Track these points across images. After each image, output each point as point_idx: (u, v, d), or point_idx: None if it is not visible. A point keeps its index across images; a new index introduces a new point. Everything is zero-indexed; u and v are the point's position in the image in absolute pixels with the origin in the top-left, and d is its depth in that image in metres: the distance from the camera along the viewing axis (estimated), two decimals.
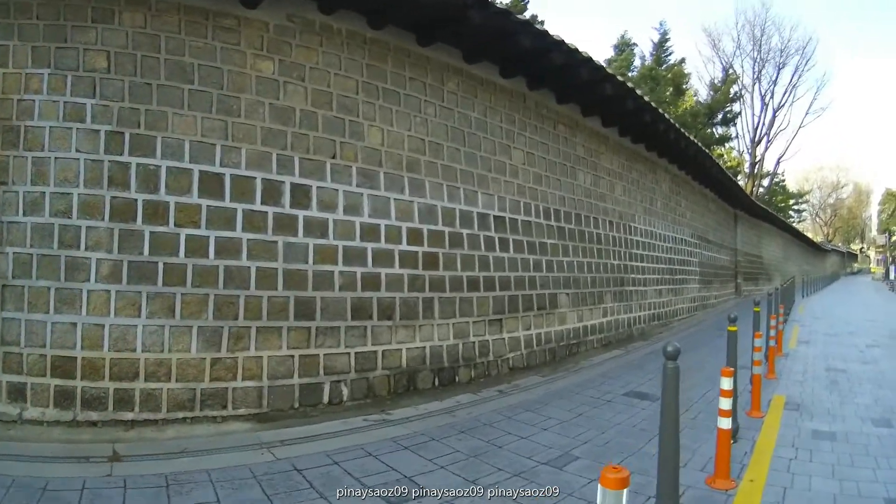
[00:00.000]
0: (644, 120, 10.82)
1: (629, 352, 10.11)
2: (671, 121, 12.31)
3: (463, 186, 7.38)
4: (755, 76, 44.70)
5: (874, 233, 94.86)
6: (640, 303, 12.31)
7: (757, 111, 45.63)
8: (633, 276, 11.97)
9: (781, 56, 43.83)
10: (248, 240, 5.43)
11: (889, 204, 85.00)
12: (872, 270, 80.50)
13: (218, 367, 5.17)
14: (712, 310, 17.80)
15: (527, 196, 8.59)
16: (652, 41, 39.10)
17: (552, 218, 9.20)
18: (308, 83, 5.95)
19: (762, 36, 43.91)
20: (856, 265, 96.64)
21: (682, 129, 13.17)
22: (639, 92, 10.28)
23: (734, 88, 40.45)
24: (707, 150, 15.73)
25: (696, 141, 14.12)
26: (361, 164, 6.25)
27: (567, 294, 9.31)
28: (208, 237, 5.25)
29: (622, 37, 37.79)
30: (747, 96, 45.18)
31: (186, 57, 5.31)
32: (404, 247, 6.58)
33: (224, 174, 5.38)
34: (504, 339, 7.76)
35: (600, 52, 37.51)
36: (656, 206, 13.82)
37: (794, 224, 46.40)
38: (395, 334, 6.35)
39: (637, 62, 37.39)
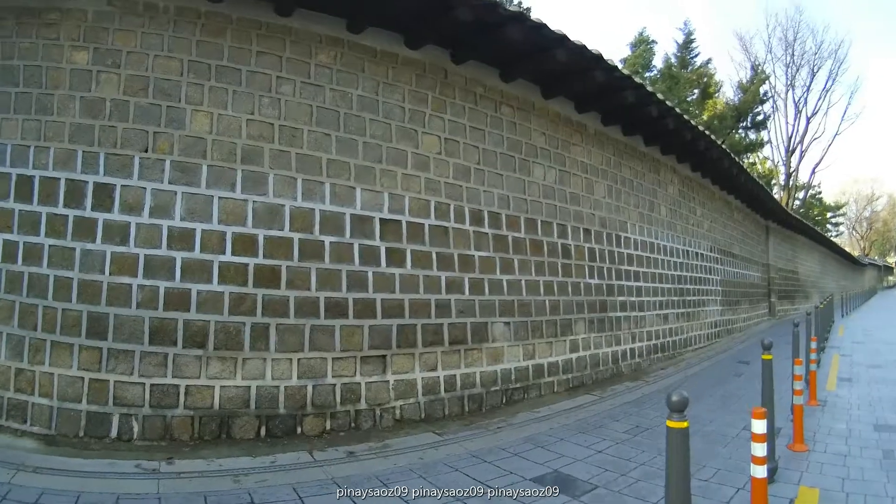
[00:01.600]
0: (629, 104, 8.51)
1: (604, 398, 7.53)
2: (678, 111, 9.81)
3: (331, 181, 5.78)
4: (788, 82, 41.51)
5: None
6: (634, 332, 9.69)
7: (791, 119, 42.25)
8: (622, 298, 9.44)
9: (815, 60, 40.74)
10: (49, 246, 5.01)
11: None
12: None
13: (21, 379, 4.93)
14: (739, 335, 15.00)
15: (442, 194, 6.61)
16: (676, 42, 36.05)
17: (485, 223, 7.05)
18: (123, 69, 5.22)
19: (795, 41, 40.92)
20: (891, 278, 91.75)
21: (698, 126, 10.63)
22: (625, 72, 8.00)
23: (764, 88, 36.94)
24: (733, 154, 13.16)
25: (712, 137, 11.56)
26: (178, 157, 5.23)
27: (507, 323, 7.10)
28: (18, 242, 5.03)
29: (640, 34, 34.91)
30: (780, 103, 41.99)
31: (15, 59, 5.20)
32: (228, 257, 5.25)
33: (34, 176, 5.08)
34: (388, 381, 5.89)
35: (616, 52, 34.67)
36: (660, 213, 11.23)
37: (831, 238, 42.60)
38: (206, 367, 5.10)
39: (659, 63, 34.63)
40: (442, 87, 6.76)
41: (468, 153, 6.94)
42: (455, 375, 6.42)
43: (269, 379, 5.26)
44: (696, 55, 34.93)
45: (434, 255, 6.44)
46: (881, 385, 8.43)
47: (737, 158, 13.59)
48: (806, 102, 41.93)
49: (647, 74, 31.14)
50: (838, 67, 43.12)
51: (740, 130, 36.31)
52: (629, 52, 34.00)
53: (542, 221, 7.88)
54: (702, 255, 13.11)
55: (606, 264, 9.25)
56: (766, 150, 42.60)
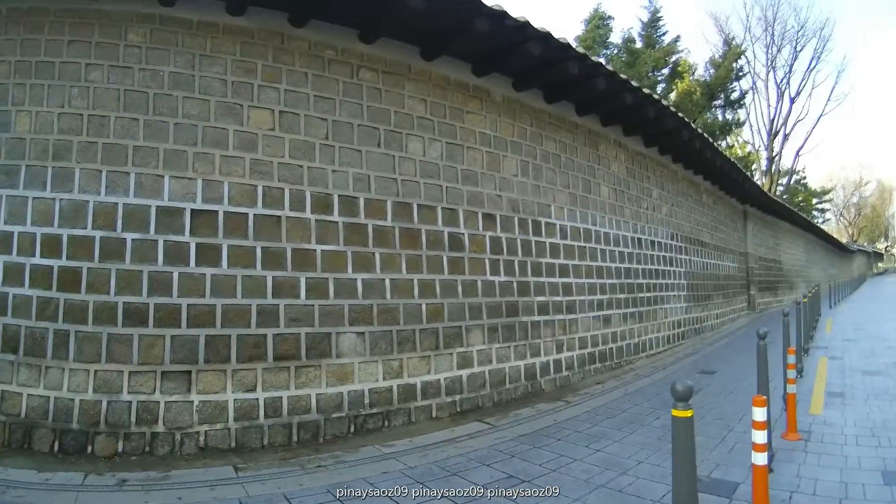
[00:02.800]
0: (545, 63, 6.91)
1: (498, 426, 5.75)
2: (610, 69, 7.87)
3: (137, 171, 5.01)
4: (769, 63, 39.33)
5: None
6: (561, 339, 7.84)
7: (773, 102, 40.01)
8: (542, 298, 7.61)
9: (798, 38, 38.63)
10: None
11: None
12: None
13: None
14: (711, 335, 12.89)
15: (274, 177, 5.42)
16: (640, 20, 33.06)
17: (334, 210, 5.68)
18: None
19: (775, 20, 38.79)
20: (881, 265, 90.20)
21: (648, 92, 8.72)
22: (539, 27, 6.25)
23: (740, 64, 33.90)
24: (705, 134, 11.03)
25: (663, 102, 9.49)
26: (5, 161, 5.00)
27: (360, 334, 5.68)
28: None
29: (595, 9, 31.68)
30: (761, 85, 39.93)
31: None
32: (37, 260, 4.90)
33: None
34: (192, 402, 4.91)
35: (570, 31, 31.69)
36: (599, 195, 9.19)
37: (817, 224, 40.34)
38: (17, 373, 4.79)
39: (617, 40, 31.86)
40: (277, 54, 5.56)
41: (312, 127, 5.64)
42: (281, 398, 5.19)
43: (65, 391, 4.77)
44: (664, 33, 32.39)
45: (259, 252, 5.23)
46: (883, 401, 6.39)
47: (708, 138, 11.46)
48: (789, 83, 39.71)
49: (604, 52, 28.64)
50: (823, 46, 40.84)
51: (716, 110, 33.83)
52: (583, 30, 31.66)
53: (419, 206, 6.30)
54: (660, 243, 11.02)
55: (519, 257, 7.32)
56: (746, 134, 40.47)
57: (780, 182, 40.77)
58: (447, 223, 6.51)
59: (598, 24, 30.45)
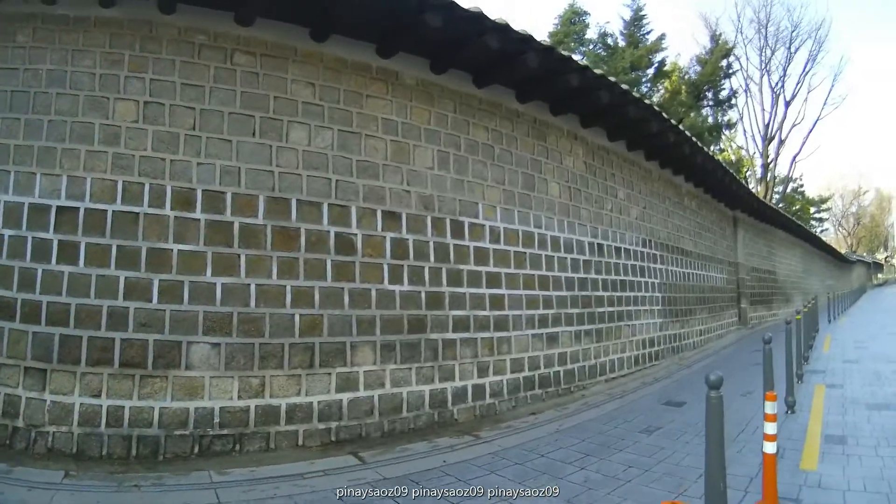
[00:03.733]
0: (467, 38, 6.02)
1: (370, 464, 4.82)
2: (557, 49, 6.85)
3: (16, 169, 4.97)
4: (763, 67, 37.88)
5: None
6: (486, 360, 6.63)
7: (767, 106, 38.43)
8: (460, 312, 6.44)
9: (791, 40, 37.17)
10: None
11: None
12: None
13: None
14: (691, 354, 11.27)
15: (134, 172, 5.07)
16: (623, 18, 30.78)
17: (196, 207, 5.14)
18: None
19: (768, 21, 37.31)
20: (881, 276, 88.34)
21: (606, 75, 7.68)
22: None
23: (730, 61, 31.88)
24: (674, 123, 9.53)
25: (625, 87, 8.05)
26: None
27: (215, 345, 5.04)
28: None
29: (571, 4, 29.24)
30: (754, 89, 38.60)
31: None
32: None
33: None
34: (45, 401, 4.73)
35: (544, 28, 29.47)
36: (547, 193, 7.85)
37: (815, 234, 38.55)
38: None
39: (594, 35, 29.52)
40: (144, 43, 5.19)
41: (177, 117, 5.16)
42: (123, 407, 4.77)
43: None
44: (648, 32, 30.33)
45: (114, 250, 4.90)
46: None
47: (686, 131, 10.01)
48: (783, 87, 38.11)
49: (580, 48, 26.77)
50: (819, 48, 39.19)
51: (704, 111, 31.96)
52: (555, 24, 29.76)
53: (299, 202, 5.49)
54: (627, 250, 9.50)
55: (431, 263, 6.24)
56: (740, 140, 39.07)
57: (776, 190, 39.18)
58: (335, 222, 5.61)
59: (573, 18, 28.30)
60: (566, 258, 7.99)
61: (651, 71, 28.27)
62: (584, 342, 8.08)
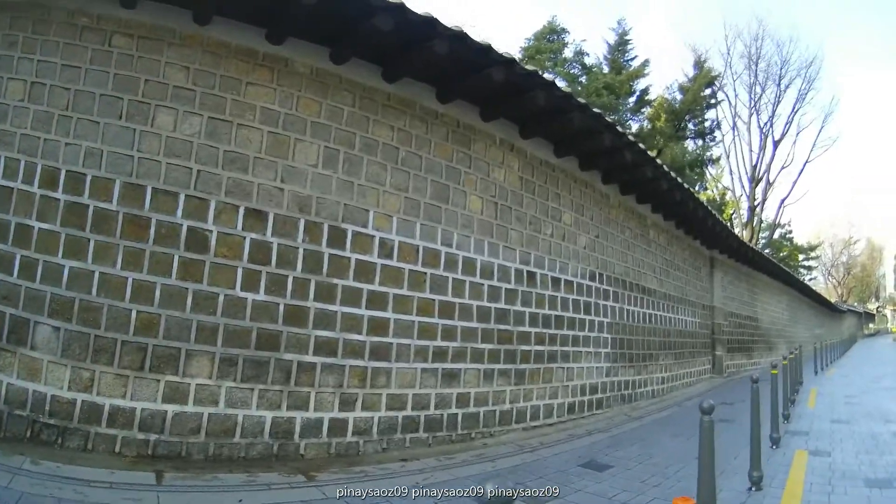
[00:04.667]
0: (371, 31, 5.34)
1: (162, 486, 4.27)
2: (493, 49, 5.84)
3: None
4: (752, 105, 37.13)
5: (890, 290, 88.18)
6: (354, 392, 5.67)
7: (755, 147, 37.54)
8: (328, 333, 5.53)
9: (781, 77, 36.41)
10: None
11: None
12: (893, 330, 71.37)
13: None
14: (650, 404, 9.93)
15: (16, 149, 5.00)
16: (607, 42, 29.32)
17: (59, 186, 4.90)
18: None
19: (759, 57, 36.61)
20: (872, 326, 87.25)
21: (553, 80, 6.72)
22: None
23: (714, 90, 30.35)
24: (632, 139, 8.38)
25: (578, 99, 7.04)
26: None
27: (56, 329, 4.71)
28: None
29: (550, 21, 27.52)
30: (742, 127, 37.69)
31: None
32: None
33: None
34: None
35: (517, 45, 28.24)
36: (465, 208, 6.82)
37: (803, 281, 37.16)
38: None
39: (570, 54, 27.63)
40: (37, 25, 5.08)
41: (55, 97, 4.99)
42: None
43: None
44: (633, 58, 28.74)
45: None
46: None
47: (648, 152, 8.90)
48: (772, 126, 37.29)
49: (554, 68, 25.32)
50: (809, 86, 38.40)
51: (688, 143, 30.58)
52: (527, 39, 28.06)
53: (155, 190, 5.00)
54: (570, 283, 8.26)
55: (297, 272, 5.42)
56: (726, 180, 38.00)
57: (762, 235, 38.08)
58: (189, 215, 5.01)
59: (549, 36, 26.76)
60: (482, 285, 6.82)
61: (633, 99, 27.00)
62: (498, 383, 6.86)
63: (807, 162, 41.37)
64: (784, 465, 5.74)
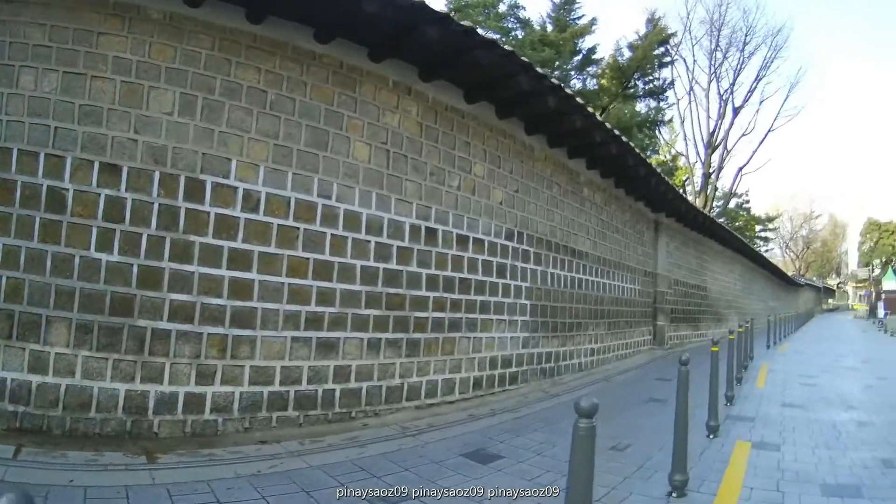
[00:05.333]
0: None
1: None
2: None
3: None
4: (712, 71, 36.85)
5: (852, 267, 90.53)
6: (213, 364, 5.12)
7: (714, 114, 37.31)
8: (184, 297, 5.03)
9: (745, 44, 36.08)
10: None
11: (871, 234, 78.42)
12: (854, 307, 73.33)
13: None
14: (574, 378, 9.38)
15: None
16: (552, 1, 27.14)
17: None
18: None
19: (722, 23, 36.17)
20: (832, 301, 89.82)
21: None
22: None
23: (666, 48, 29.29)
24: (558, 84, 7.58)
25: (489, 39, 6.31)
26: None
27: None
28: None
29: None
30: (700, 93, 37.51)
31: None
32: None
33: None
34: None
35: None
36: (349, 156, 6.10)
37: (759, 252, 37.22)
38: None
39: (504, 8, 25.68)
40: None
41: None
42: None
43: None
44: (579, 17, 26.79)
45: None
46: None
47: (577, 98, 8.15)
48: (733, 94, 37.19)
49: (483, 23, 23.82)
50: (775, 55, 38.25)
51: (640, 105, 29.88)
52: None
53: (20, 151, 4.70)
54: (480, 241, 7.63)
55: (151, 230, 4.94)
56: (681, 146, 37.73)
57: (716, 203, 38.07)
58: (49, 174, 4.75)
59: None
60: (369, 242, 6.15)
61: (579, 58, 25.97)
62: (386, 355, 6.23)
63: (769, 130, 41.67)
64: (720, 461, 5.02)
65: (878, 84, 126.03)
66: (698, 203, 30.13)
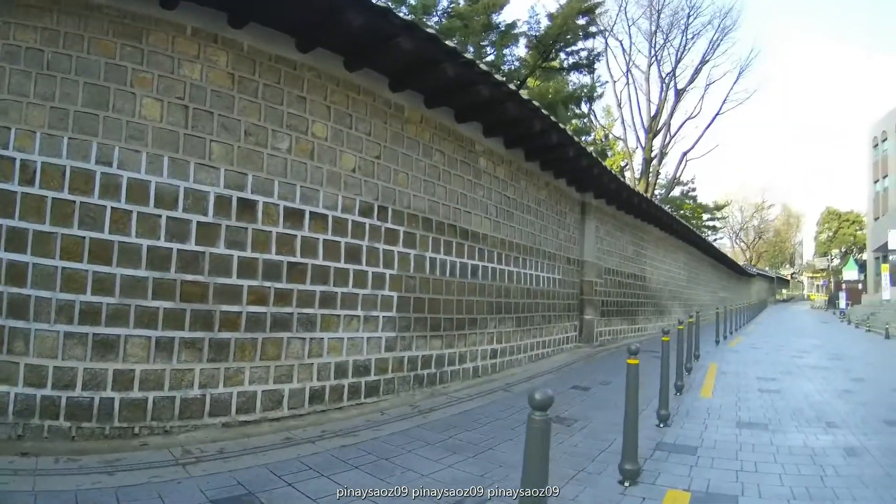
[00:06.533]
0: None
1: None
2: None
3: None
4: (653, 55, 36.33)
5: (807, 258, 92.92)
6: None
7: (654, 98, 36.98)
8: None
9: (689, 26, 35.66)
10: None
11: (830, 224, 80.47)
12: (811, 297, 74.92)
13: None
14: (466, 386, 8.22)
15: None
16: None
17: None
18: None
19: (662, 6, 35.64)
20: (786, 291, 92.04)
21: None
22: None
23: (587, 20, 27.00)
24: (440, 38, 6.35)
25: None
26: None
27: None
28: None
29: None
30: (640, 76, 36.96)
31: None
32: None
33: None
34: None
35: None
36: (135, 115, 5.12)
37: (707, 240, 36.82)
38: None
39: None
40: None
41: None
42: None
43: None
44: None
45: None
46: None
47: (484, 66, 6.98)
48: (675, 78, 36.86)
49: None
50: (723, 36, 37.99)
51: (566, 76, 28.70)
52: None
53: None
54: (323, 217, 6.45)
55: None
56: (618, 131, 36.97)
57: (657, 192, 37.58)
58: None
59: None
60: (159, 217, 5.21)
61: (495, 35, 24.48)
62: (183, 359, 5.26)
63: (717, 114, 41.50)
64: None
65: (839, 66, 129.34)
66: (639, 189, 29.33)
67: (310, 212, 6.21)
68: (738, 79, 55.52)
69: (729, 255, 46.10)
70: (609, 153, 36.32)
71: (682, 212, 38.81)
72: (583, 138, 26.46)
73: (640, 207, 16.82)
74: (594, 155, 11.92)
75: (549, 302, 11.72)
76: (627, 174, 35.26)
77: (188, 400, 5.21)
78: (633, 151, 36.57)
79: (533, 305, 10.90)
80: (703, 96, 49.63)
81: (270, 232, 5.84)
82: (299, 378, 6.00)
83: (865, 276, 44.83)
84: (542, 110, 8.85)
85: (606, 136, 37.05)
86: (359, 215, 6.75)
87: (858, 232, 70.40)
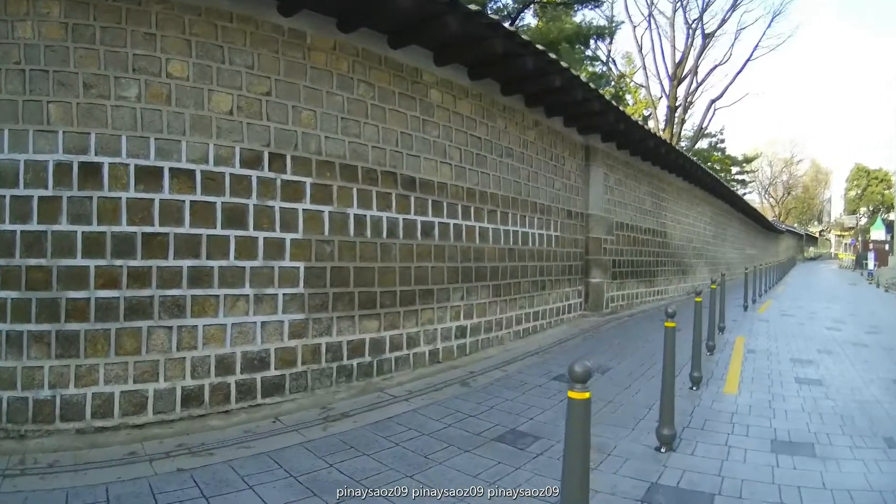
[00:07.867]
0: None
1: None
2: None
3: None
4: (678, 1, 34.20)
5: (836, 215, 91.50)
6: None
7: (679, 45, 34.80)
8: None
9: None
10: None
11: (859, 181, 78.53)
12: (840, 256, 72.79)
13: None
14: (418, 377, 6.96)
15: None
16: None
17: None
18: None
19: None
20: (813, 249, 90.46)
21: None
22: None
23: None
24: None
25: None
26: None
27: None
28: None
29: None
30: (664, 22, 34.87)
31: None
32: None
33: None
34: None
35: None
36: None
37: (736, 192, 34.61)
38: None
39: None
40: None
41: None
42: None
43: None
44: None
45: None
46: None
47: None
48: (702, 24, 34.62)
49: None
50: None
51: (576, 14, 26.80)
52: None
53: None
54: (188, 173, 5.31)
55: None
56: (640, 78, 35.05)
57: (682, 143, 35.57)
58: None
59: None
60: (3, 197, 4.70)
61: None
62: (32, 355, 4.67)
63: (748, 60, 39.15)
64: None
65: (874, 17, 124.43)
66: (664, 135, 27.47)
67: (169, 168, 5.08)
68: (770, 23, 52.73)
69: (758, 210, 44.23)
70: (630, 100, 34.53)
71: (709, 164, 36.80)
72: (601, 87, 24.70)
73: (657, 152, 14.96)
74: (593, 86, 10.25)
75: (543, 264, 10.30)
76: (651, 124, 33.44)
77: (40, 402, 4.69)
78: (657, 101, 34.66)
79: (518, 269, 9.49)
80: (732, 43, 46.71)
81: (120, 198, 4.88)
82: (167, 376, 5.02)
83: (892, 236, 43.23)
84: (504, 25, 7.35)
85: (624, 84, 35.17)
86: (241, 167, 5.47)
87: (886, 191, 68.84)
